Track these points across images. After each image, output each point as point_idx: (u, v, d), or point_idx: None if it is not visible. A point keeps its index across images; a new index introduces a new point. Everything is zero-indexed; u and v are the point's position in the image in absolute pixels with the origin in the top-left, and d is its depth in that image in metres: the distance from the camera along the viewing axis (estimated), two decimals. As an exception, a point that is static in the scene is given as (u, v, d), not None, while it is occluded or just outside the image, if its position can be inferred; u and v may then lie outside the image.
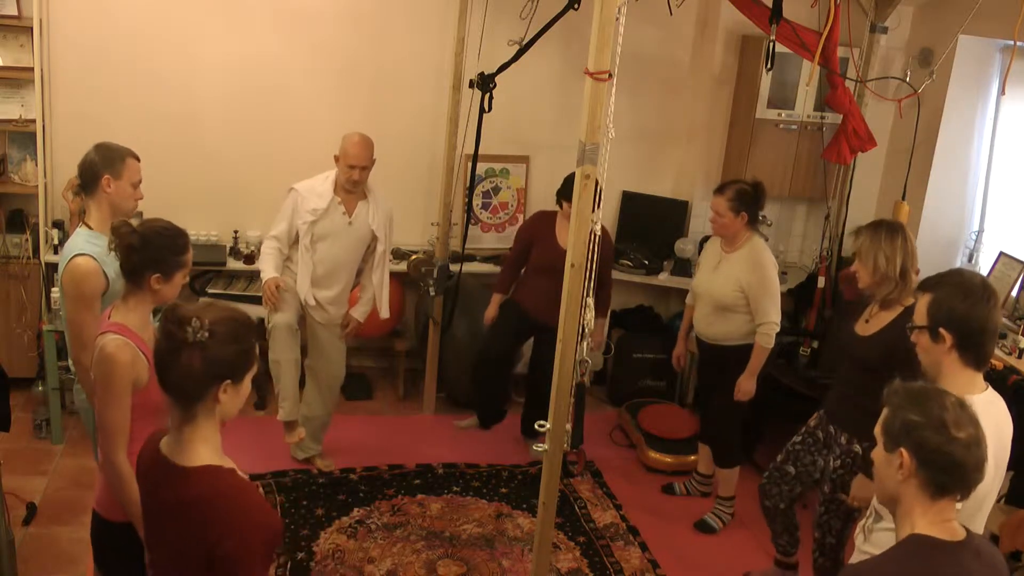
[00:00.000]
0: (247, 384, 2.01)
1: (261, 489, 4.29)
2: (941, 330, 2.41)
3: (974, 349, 2.42)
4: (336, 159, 4.20)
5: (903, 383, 1.93)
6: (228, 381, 1.94)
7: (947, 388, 2.43)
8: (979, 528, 2.50)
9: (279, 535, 2.02)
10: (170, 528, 1.96)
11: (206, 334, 1.89)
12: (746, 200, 4.12)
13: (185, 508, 1.92)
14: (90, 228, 3.10)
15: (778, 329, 4.15)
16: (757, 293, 4.11)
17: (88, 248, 2.93)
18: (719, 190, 4.21)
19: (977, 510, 2.45)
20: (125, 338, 2.49)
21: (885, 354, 3.34)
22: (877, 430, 1.94)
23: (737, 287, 4.13)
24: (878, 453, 1.93)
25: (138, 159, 3.27)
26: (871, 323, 3.47)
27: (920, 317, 2.48)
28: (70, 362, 3.16)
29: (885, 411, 1.93)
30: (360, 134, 4.18)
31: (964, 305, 2.39)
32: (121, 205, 3.21)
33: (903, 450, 1.85)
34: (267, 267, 4.18)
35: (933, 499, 1.84)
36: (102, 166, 3.15)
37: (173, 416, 1.96)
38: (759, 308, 4.12)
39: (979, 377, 2.45)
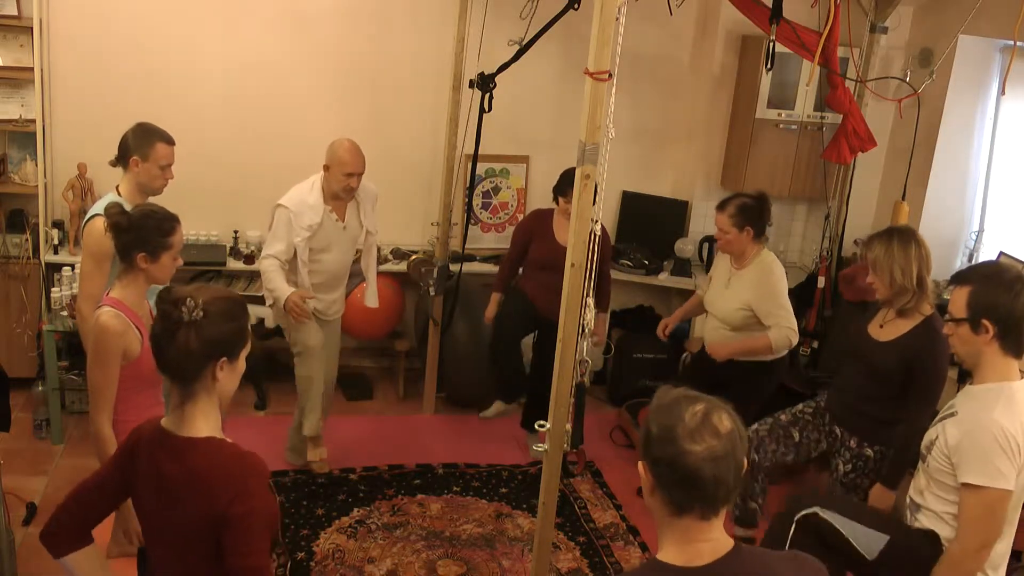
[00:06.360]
0: (242, 361, 2.06)
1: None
2: (984, 321, 2.52)
3: (1014, 338, 2.54)
4: (325, 168, 4.09)
5: (669, 388, 1.73)
6: (224, 359, 1.99)
7: (986, 376, 2.58)
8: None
9: (278, 516, 2.06)
10: (173, 497, 1.98)
11: (201, 313, 1.94)
12: (749, 214, 4.00)
13: (191, 477, 1.95)
14: (119, 195, 3.39)
15: (795, 337, 3.97)
16: (766, 306, 3.98)
17: None
18: (721, 206, 4.06)
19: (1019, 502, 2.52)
20: (117, 311, 2.68)
21: (904, 363, 3.31)
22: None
23: (744, 305, 4.04)
24: (640, 465, 1.74)
25: (172, 143, 3.51)
26: (887, 328, 3.41)
27: (959, 310, 2.56)
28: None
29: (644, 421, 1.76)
30: (350, 140, 4.09)
31: (1007, 297, 2.50)
32: (148, 184, 3.50)
33: (641, 464, 1.71)
34: (280, 284, 4.01)
35: (674, 516, 1.67)
36: (133, 147, 3.42)
37: (173, 396, 2.02)
38: (770, 314, 3.96)
39: (1016, 364, 2.55)
